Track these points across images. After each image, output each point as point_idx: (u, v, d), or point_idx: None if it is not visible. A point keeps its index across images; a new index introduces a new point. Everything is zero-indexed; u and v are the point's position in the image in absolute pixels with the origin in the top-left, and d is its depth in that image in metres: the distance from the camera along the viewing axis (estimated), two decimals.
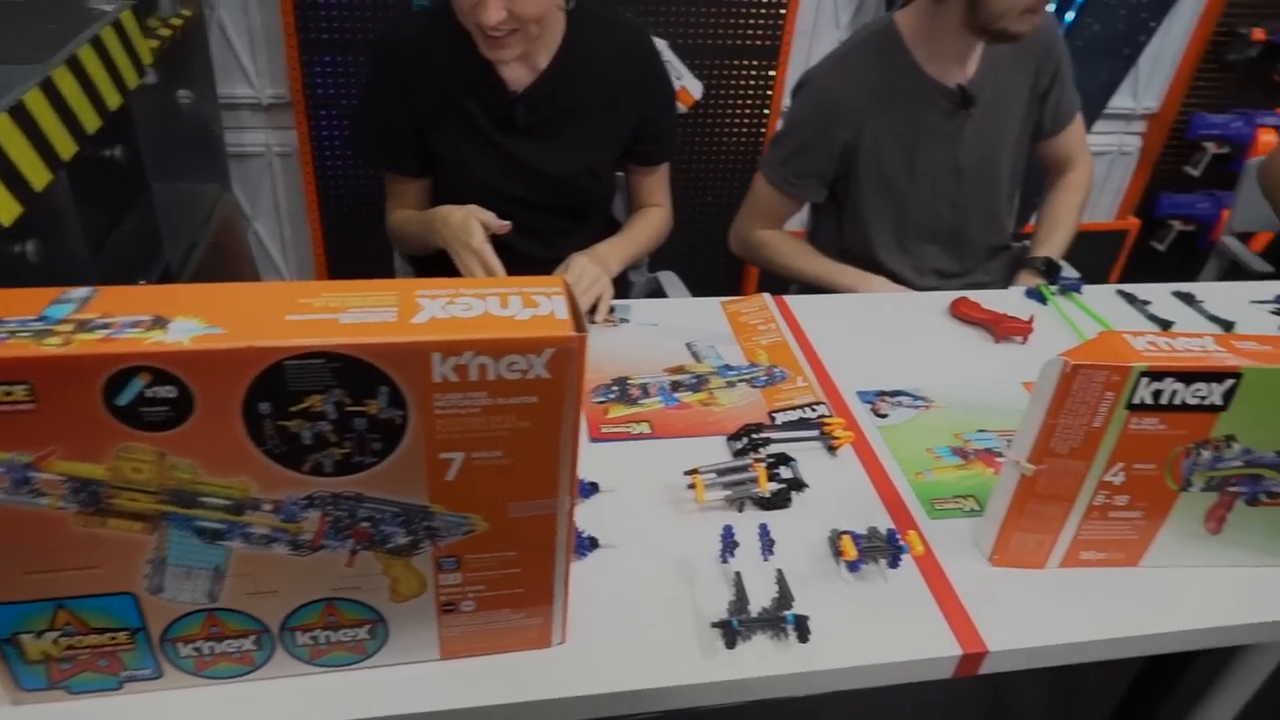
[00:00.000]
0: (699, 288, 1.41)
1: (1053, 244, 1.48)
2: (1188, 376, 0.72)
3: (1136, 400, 0.72)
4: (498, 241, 1.14)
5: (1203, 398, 0.73)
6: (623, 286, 1.54)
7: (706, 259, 2.40)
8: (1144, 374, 0.71)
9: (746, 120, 2.32)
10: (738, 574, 0.76)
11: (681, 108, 2.19)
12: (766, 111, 2.31)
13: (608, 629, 0.74)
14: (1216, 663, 0.93)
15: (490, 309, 0.57)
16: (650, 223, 1.38)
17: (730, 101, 2.28)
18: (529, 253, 1.32)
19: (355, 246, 2.24)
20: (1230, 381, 0.72)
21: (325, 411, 0.55)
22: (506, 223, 1.12)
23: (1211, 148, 2.57)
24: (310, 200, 2.16)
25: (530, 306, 0.57)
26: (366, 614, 0.66)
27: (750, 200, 1.51)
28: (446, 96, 1.22)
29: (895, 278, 1.45)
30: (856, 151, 1.39)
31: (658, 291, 1.49)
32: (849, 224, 1.48)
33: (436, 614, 0.68)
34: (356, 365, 0.54)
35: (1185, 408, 0.73)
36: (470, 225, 1.09)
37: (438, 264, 1.21)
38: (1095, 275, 1.35)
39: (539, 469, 0.61)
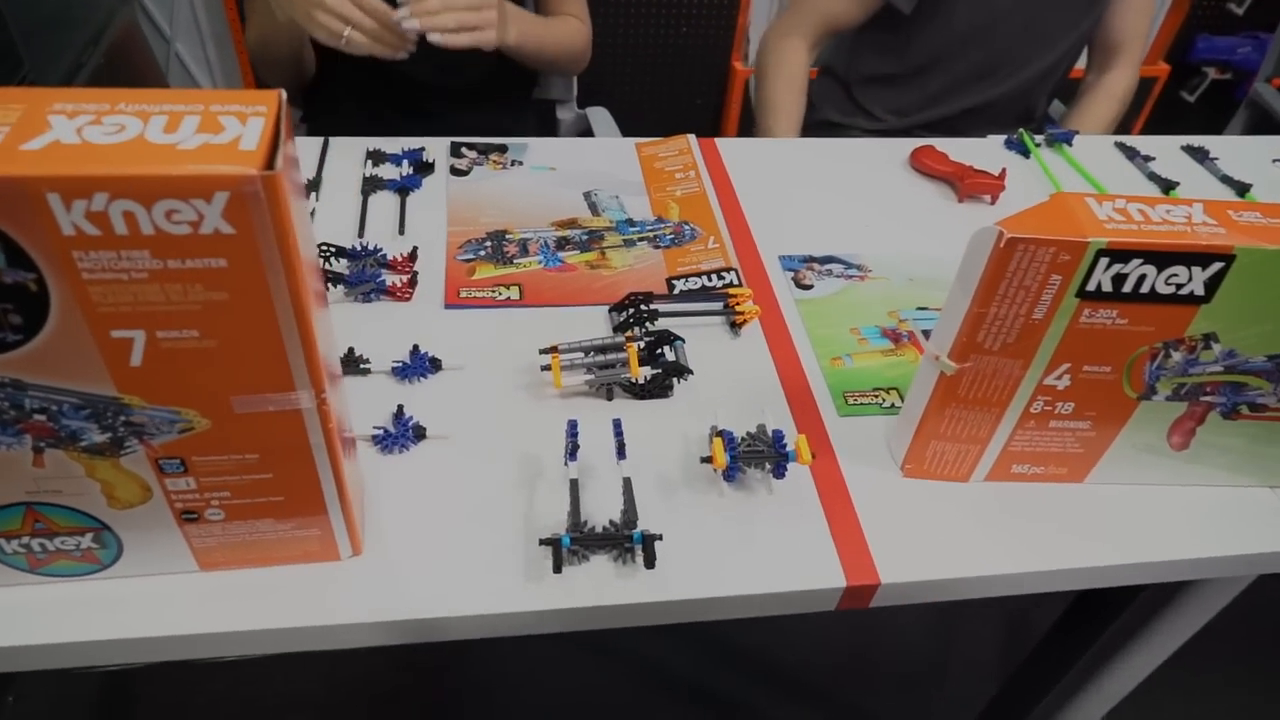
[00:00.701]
0: (669, 133, 1.16)
1: None
2: (1162, 258, 0.54)
3: (1091, 287, 0.55)
4: (385, 67, 0.93)
5: (1179, 285, 0.56)
6: (549, 125, 1.34)
7: (682, 99, 2.16)
8: (1103, 253, 0.54)
9: None
10: (573, 482, 0.62)
11: None
12: None
13: (418, 541, 0.61)
14: (1162, 593, 0.80)
15: (149, 133, 0.40)
16: (567, 27, 1.16)
17: None
18: (425, 81, 1.12)
19: None
20: (1218, 265, 0.55)
21: None
22: None
23: None
24: (232, 18, 1.92)
25: (209, 130, 0.40)
26: (84, 521, 0.53)
27: None
28: None
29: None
30: None
31: (587, 131, 1.29)
32: (916, 59, 1.25)
33: (177, 523, 0.54)
34: None
35: (1155, 298, 0.56)
36: None
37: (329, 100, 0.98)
38: (1113, 130, 1.15)
39: (258, 355, 0.46)
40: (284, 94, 0.43)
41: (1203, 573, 0.67)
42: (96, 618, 0.55)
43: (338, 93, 1.17)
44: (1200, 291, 0.56)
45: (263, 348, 0.45)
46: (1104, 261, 0.54)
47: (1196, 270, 0.55)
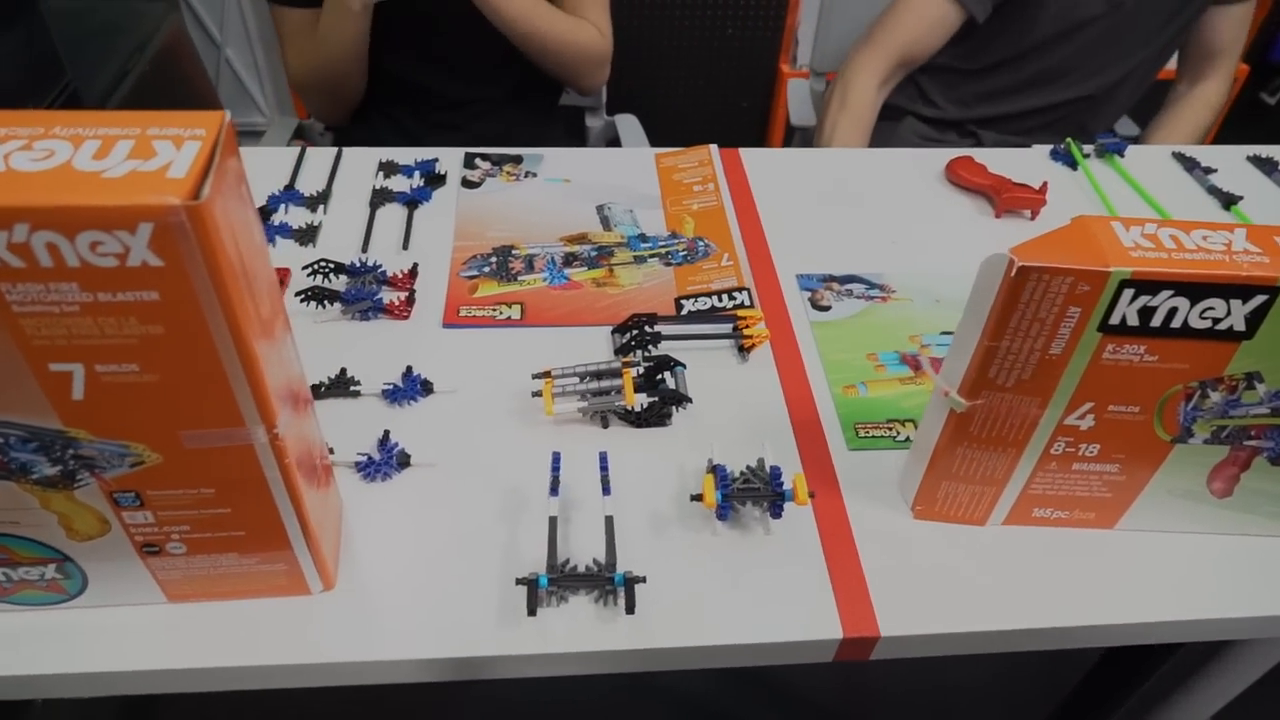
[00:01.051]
0: (714, 139, 1.02)
1: None
2: (1196, 289, 0.49)
3: (1115, 320, 0.50)
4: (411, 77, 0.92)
5: (1216, 320, 0.50)
6: (577, 133, 1.31)
7: (727, 104, 2.12)
8: (1127, 283, 0.49)
9: None
10: (553, 519, 0.59)
11: None
12: None
13: (394, 576, 0.58)
14: (1201, 651, 0.73)
15: (77, 160, 0.38)
16: (578, 25, 1.12)
17: None
18: (449, 92, 1.11)
19: None
20: (1261, 298, 0.49)
21: None
22: None
23: None
24: None
25: (139, 157, 0.38)
26: (45, 552, 0.52)
27: (891, 15, 1.19)
28: None
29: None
30: None
31: (616, 140, 1.26)
32: (992, 55, 1.22)
33: (139, 556, 0.53)
34: None
35: (1189, 333, 0.51)
36: None
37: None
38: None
39: (202, 389, 0.44)
40: (228, 115, 0.41)
41: (1246, 633, 0.61)
42: (62, 648, 0.54)
43: (363, 106, 1.16)
44: (1241, 327, 0.50)
45: (205, 382, 0.43)
46: (1128, 293, 0.49)
47: (1236, 303, 0.49)
